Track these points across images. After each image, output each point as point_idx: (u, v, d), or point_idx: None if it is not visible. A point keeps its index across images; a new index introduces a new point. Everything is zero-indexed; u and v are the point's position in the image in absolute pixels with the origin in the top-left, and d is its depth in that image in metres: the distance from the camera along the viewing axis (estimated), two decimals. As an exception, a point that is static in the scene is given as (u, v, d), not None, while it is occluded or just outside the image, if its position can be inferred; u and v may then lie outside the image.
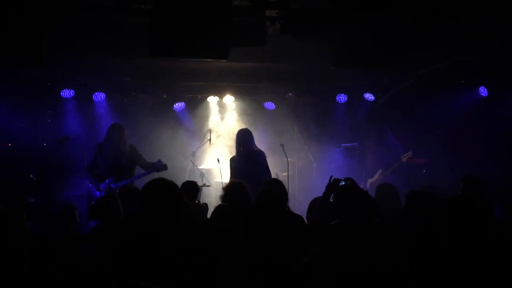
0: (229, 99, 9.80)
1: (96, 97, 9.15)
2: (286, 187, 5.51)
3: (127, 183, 7.03)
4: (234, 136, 9.75)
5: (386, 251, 3.44)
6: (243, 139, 7.06)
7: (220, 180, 9.13)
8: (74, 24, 6.76)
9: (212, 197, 8.68)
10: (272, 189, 4.75)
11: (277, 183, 5.26)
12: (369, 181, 8.95)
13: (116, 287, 1.96)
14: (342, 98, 9.87)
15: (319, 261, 2.61)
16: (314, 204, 4.86)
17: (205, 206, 5.51)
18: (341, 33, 5.99)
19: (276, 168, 8.56)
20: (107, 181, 6.96)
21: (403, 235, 3.80)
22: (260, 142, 9.19)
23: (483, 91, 8.62)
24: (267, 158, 7.05)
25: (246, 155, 6.88)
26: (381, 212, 4.29)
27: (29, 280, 3.18)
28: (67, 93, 8.89)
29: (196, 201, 5.51)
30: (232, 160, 7.15)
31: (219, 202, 5.09)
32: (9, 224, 3.71)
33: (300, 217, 4.77)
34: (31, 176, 8.39)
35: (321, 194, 5.04)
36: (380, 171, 8.77)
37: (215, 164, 9.65)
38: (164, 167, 7.26)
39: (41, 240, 4.03)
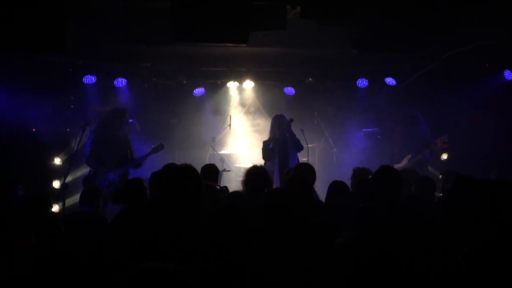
0: (249, 85, 9.79)
1: (117, 83, 9.24)
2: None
3: (126, 169, 7.36)
4: (254, 122, 9.85)
5: (421, 237, 3.41)
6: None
7: (240, 165, 9.19)
8: (95, 10, 6.79)
9: (232, 182, 8.72)
10: (300, 175, 4.74)
11: (306, 167, 5.27)
12: (396, 166, 8.81)
13: (143, 271, 1.95)
14: (362, 82, 9.77)
15: (352, 244, 2.58)
16: (333, 187, 4.85)
17: (225, 190, 5.52)
18: (363, 16, 5.90)
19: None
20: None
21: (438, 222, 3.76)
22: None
23: (508, 74, 8.44)
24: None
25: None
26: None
27: (54, 263, 3.24)
28: (89, 79, 8.99)
29: (217, 186, 5.54)
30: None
31: (239, 187, 5.11)
32: (35, 208, 3.80)
33: (325, 205, 4.76)
34: (54, 161, 8.58)
35: (340, 179, 5.04)
36: (408, 156, 8.56)
37: (235, 149, 9.70)
38: (161, 147, 7.45)
39: (66, 224, 4.12)
